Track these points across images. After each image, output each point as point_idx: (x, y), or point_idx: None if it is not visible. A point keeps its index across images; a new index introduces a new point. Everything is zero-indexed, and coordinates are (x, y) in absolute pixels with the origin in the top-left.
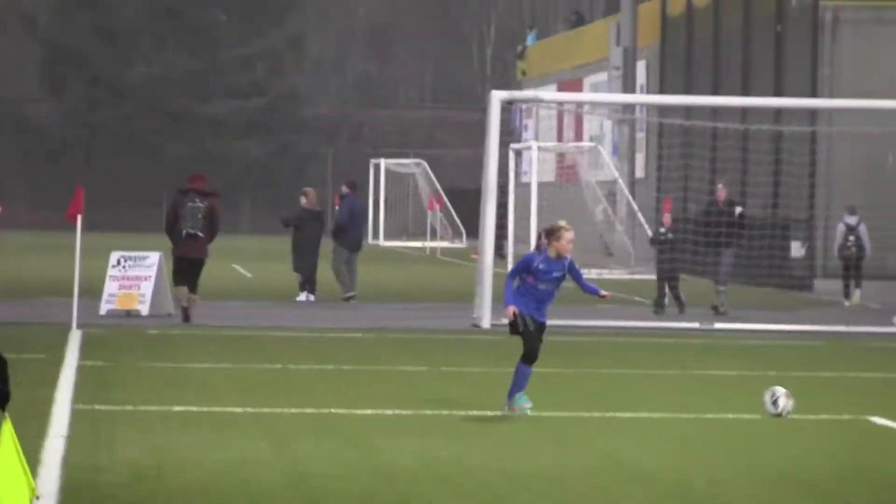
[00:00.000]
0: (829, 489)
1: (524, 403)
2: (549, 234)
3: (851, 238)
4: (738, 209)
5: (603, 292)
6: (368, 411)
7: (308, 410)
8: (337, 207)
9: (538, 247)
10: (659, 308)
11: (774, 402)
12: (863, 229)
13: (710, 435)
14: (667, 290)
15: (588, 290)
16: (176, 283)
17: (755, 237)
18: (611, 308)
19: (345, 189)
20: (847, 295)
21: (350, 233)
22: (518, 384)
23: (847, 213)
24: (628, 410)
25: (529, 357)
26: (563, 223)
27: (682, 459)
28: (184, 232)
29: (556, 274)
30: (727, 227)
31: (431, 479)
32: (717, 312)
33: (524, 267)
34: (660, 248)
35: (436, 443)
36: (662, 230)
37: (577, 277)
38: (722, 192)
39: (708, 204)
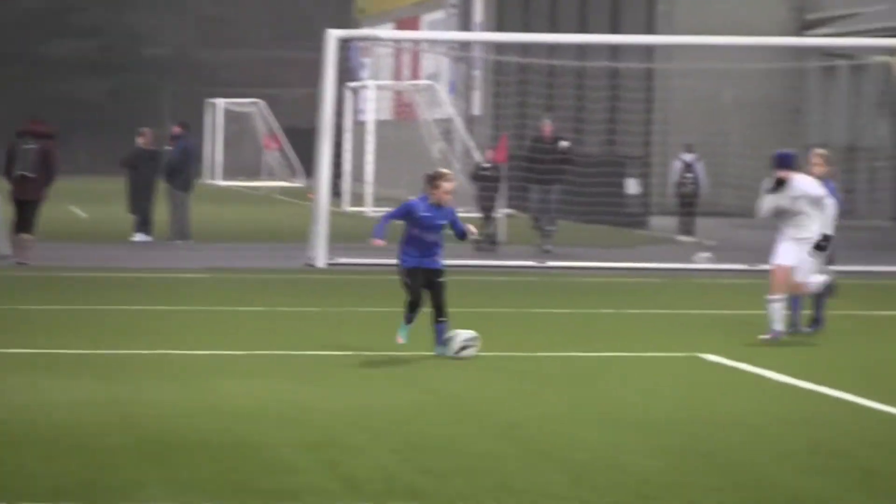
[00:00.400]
0: (659, 426)
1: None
2: (429, 182)
3: (688, 175)
4: (563, 143)
5: (467, 226)
6: (205, 352)
7: (144, 352)
8: (169, 148)
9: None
10: (489, 244)
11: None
12: (699, 167)
13: (543, 373)
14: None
15: (460, 234)
16: (12, 227)
17: (590, 174)
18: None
19: (177, 130)
20: (683, 232)
21: (182, 174)
22: (439, 337)
23: (684, 150)
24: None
25: (413, 307)
26: (444, 171)
27: (515, 397)
28: (17, 174)
29: (439, 222)
30: (553, 164)
31: (269, 419)
32: (543, 250)
33: (404, 214)
34: (481, 183)
35: (272, 383)
36: (485, 165)
37: (456, 224)
38: (548, 127)
39: (534, 140)
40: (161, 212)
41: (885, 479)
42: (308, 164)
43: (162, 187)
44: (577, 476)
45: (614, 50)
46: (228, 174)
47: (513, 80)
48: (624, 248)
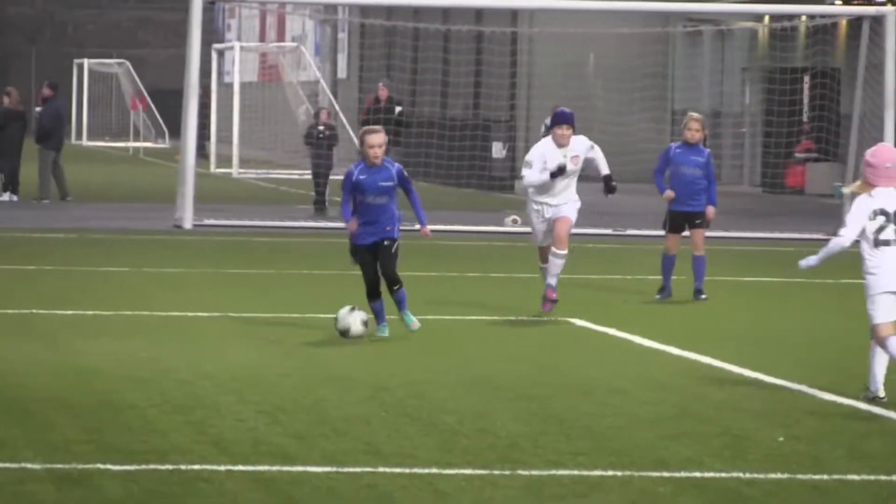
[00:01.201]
0: (526, 391)
1: (410, 323)
2: (359, 141)
3: None
4: (398, 108)
5: (427, 229)
6: (69, 312)
7: (8, 311)
8: (38, 109)
9: None
10: (320, 206)
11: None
12: None
13: (409, 337)
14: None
15: (418, 215)
16: None
17: (456, 138)
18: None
19: (47, 91)
20: None
21: (54, 136)
22: (399, 306)
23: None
24: (326, 311)
25: (370, 291)
26: (371, 127)
27: (382, 361)
28: None
29: (382, 184)
30: (387, 127)
31: (131, 380)
32: None
33: (346, 184)
34: (314, 145)
35: (135, 344)
36: (320, 128)
37: (406, 189)
38: (383, 90)
39: (371, 102)
40: (28, 171)
41: (753, 444)
42: (174, 125)
43: (32, 148)
44: (444, 440)
45: (479, 13)
46: (94, 134)
47: (378, 43)
48: (489, 211)
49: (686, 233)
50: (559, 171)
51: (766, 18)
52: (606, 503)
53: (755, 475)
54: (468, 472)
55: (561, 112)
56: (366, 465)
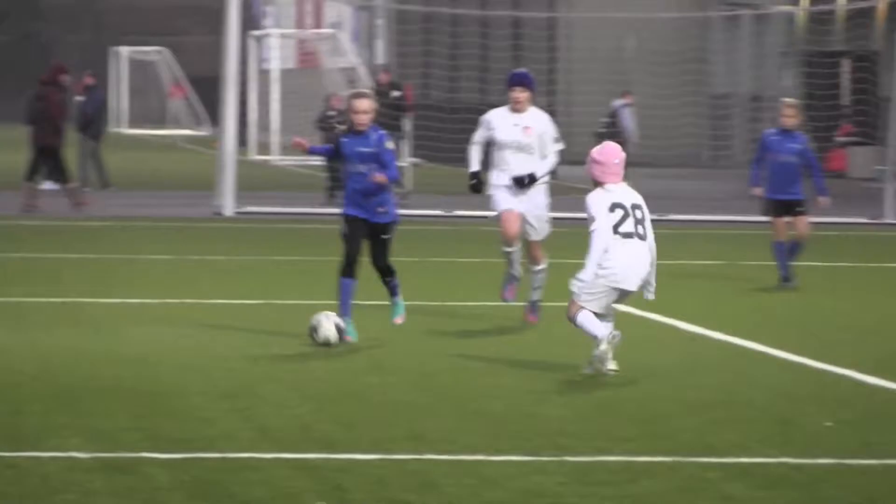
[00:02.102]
0: (572, 377)
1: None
2: (347, 104)
3: (605, 120)
4: (396, 93)
5: (379, 176)
6: (114, 300)
7: (54, 300)
8: (79, 98)
9: None
10: (333, 193)
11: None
12: (626, 113)
13: (455, 322)
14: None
15: (392, 178)
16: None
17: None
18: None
19: (88, 80)
20: None
21: (96, 124)
22: (342, 302)
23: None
24: (372, 298)
25: (346, 266)
26: (360, 90)
27: (428, 347)
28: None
29: (365, 150)
30: (388, 112)
31: (177, 367)
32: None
33: (335, 153)
34: (324, 131)
35: (181, 332)
36: (331, 113)
37: (382, 158)
38: (384, 74)
39: (373, 88)
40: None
41: (800, 429)
42: (213, 112)
43: (74, 137)
44: (492, 426)
45: None
46: (134, 122)
47: (416, 30)
48: None
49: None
50: (520, 183)
51: (805, 2)
52: (654, 489)
53: (803, 460)
54: (515, 458)
55: (516, 72)
56: (412, 451)
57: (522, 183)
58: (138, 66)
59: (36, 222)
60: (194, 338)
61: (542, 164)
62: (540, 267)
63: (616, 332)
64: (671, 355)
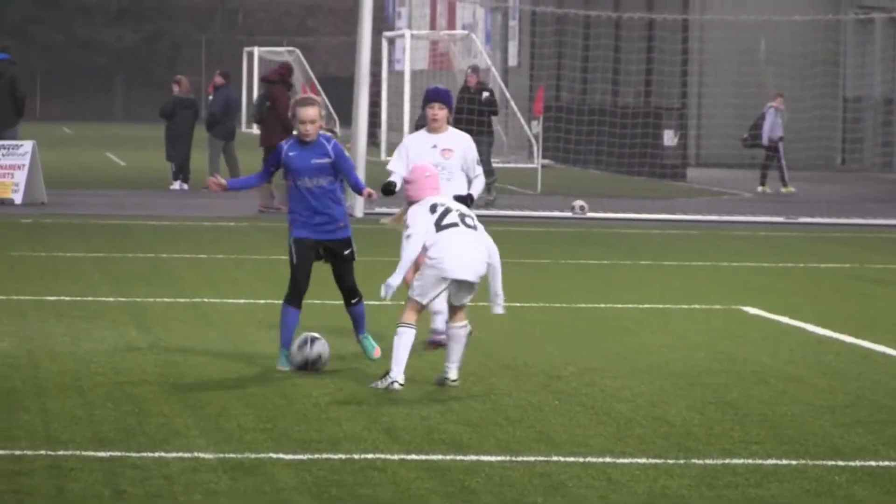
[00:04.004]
0: (700, 379)
1: (281, 365)
2: (291, 112)
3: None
4: (485, 94)
5: (368, 190)
6: (241, 301)
7: (180, 300)
8: (210, 97)
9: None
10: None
11: (305, 347)
12: (770, 115)
13: (582, 324)
14: None
15: (356, 186)
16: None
17: (627, 126)
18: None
19: (218, 80)
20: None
21: (224, 124)
22: (284, 332)
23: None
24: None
25: (292, 295)
26: (306, 97)
27: (554, 348)
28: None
29: (315, 161)
30: (477, 115)
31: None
32: (491, 202)
33: (272, 158)
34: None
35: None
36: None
37: (343, 168)
38: (472, 76)
39: (461, 90)
40: (197, 159)
41: None
42: (343, 112)
43: (203, 136)
44: (619, 428)
45: (650, 1)
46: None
47: (549, 31)
48: (661, 199)
49: None
50: (387, 190)
51: None
52: (780, 492)
53: None
54: (642, 461)
55: (433, 89)
56: (539, 453)
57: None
58: (269, 66)
59: (155, 222)
60: (326, 338)
61: (474, 185)
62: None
63: (399, 384)
64: (798, 357)
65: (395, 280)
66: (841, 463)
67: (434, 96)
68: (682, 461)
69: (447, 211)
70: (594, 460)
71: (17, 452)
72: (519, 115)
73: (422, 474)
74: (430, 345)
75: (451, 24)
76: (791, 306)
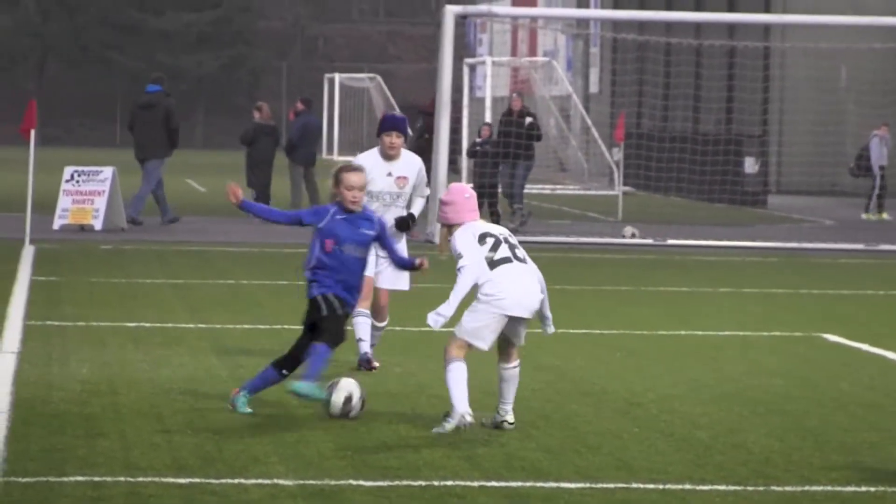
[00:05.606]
0: (780, 406)
1: (301, 388)
2: (334, 178)
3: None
4: (528, 119)
5: (421, 260)
6: None
7: (260, 326)
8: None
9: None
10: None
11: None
12: (875, 143)
13: (661, 350)
14: (486, 206)
15: (401, 263)
16: None
17: (708, 153)
18: (562, 225)
19: (299, 106)
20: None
21: (302, 149)
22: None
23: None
24: (580, 327)
25: (292, 358)
26: (352, 164)
27: (633, 375)
28: None
29: (365, 232)
30: (517, 139)
31: (383, 395)
32: (517, 229)
33: (315, 214)
34: (476, 160)
35: (388, 358)
36: (478, 140)
37: (387, 245)
38: (516, 101)
39: (504, 114)
40: (279, 185)
41: None
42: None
43: (283, 162)
44: (698, 455)
45: (731, 28)
46: (344, 149)
47: (630, 58)
48: (742, 226)
49: None
50: (403, 226)
51: None
52: None
53: None
54: (721, 487)
55: (390, 116)
56: (618, 480)
57: (406, 226)
58: (350, 93)
59: (235, 248)
60: (401, 365)
61: (416, 204)
62: (381, 324)
63: (469, 416)
64: (878, 385)
65: (448, 310)
66: None
67: (391, 125)
68: (761, 488)
69: (497, 243)
70: (673, 487)
71: (97, 479)
72: (600, 141)
73: (501, 501)
74: (364, 363)
75: (533, 51)
76: (871, 334)
